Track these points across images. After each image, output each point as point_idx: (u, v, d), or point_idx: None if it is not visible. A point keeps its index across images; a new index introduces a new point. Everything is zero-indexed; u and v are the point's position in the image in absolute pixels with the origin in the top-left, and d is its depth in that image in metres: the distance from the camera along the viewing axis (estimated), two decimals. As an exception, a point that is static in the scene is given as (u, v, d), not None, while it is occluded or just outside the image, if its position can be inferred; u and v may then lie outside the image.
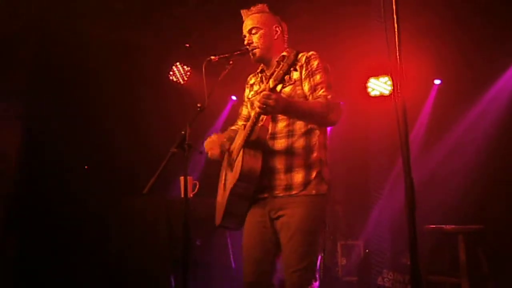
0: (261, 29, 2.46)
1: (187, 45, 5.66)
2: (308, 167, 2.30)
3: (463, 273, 3.96)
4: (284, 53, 2.44)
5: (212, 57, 2.51)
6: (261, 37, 2.45)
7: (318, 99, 2.26)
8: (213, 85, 2.43)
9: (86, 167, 5.21)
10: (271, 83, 2.09)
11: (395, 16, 1.60)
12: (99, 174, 5.14)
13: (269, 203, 2.34)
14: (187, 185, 2.35)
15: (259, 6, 2.53)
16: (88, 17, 4.78)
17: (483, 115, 5.31)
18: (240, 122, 2.71)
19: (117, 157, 5.25)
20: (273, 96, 2.05)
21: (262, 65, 2.58)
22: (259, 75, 2.60)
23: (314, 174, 2.30)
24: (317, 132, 2.36)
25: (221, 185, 2.57)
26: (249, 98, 2.63)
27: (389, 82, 5.84)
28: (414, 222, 1.46)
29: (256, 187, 2.30)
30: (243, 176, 2.25)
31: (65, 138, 4.92)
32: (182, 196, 3.11)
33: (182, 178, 3.67)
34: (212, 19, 5.04)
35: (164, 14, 5.01)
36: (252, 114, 2.34)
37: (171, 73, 6.14)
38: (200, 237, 3.97)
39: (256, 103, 2.12)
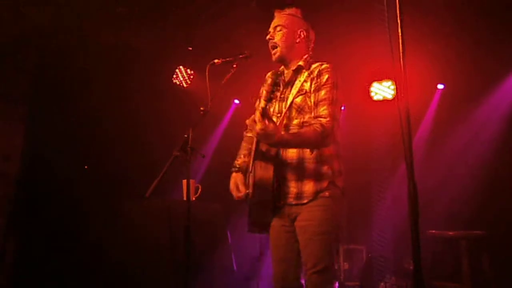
0: (285, 28, 2.47)
1: (190, 48, 5.67)
2: (318, 178, 2.34)
3: (466, 279, 3.95)
4: (301, 63, 2.45)
5: (216, 61, 2.52)
6: (283, 36, 2.46)
7: (315, 126, 2.25)
8: (216, 88, 2.43)
9: (86, 167, 5.21)
10: (262, 103, 2.25)
11: (398, 21, 1.60)
12: (101, 177, 5.14)
13: (286, 209, 2.40)
14: (189, 188, 2.36)
15: (293, 9, 2.53)
16: (91, 22, 4.80)
17: (487, 120, 5.29)
18: None
19: (120, 160, 5.25)
20: (269, 129, 2.06)
21: (282, 66, 2.57)
22: (277, 76, 2.59)
23: (325, 184, 2.34)
24: (330, 144, 2.37)
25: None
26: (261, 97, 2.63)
27: (392, 87, 5.84)
28: (418, 227, 1.45)
29: (272, 196, 2.34)
30: (257, 188, 2.33)
31: (67, 142, 4.93)
32: (185, 199, 3.12)
33: (184, 181, 3.66)
34: (215, 23, 5.05)
35: (166, 17, 5.02)
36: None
37: (174, 76, 6.15)
38: (202, 240, 3.96)
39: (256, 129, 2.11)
